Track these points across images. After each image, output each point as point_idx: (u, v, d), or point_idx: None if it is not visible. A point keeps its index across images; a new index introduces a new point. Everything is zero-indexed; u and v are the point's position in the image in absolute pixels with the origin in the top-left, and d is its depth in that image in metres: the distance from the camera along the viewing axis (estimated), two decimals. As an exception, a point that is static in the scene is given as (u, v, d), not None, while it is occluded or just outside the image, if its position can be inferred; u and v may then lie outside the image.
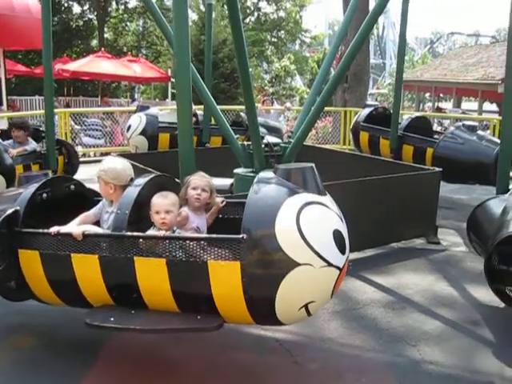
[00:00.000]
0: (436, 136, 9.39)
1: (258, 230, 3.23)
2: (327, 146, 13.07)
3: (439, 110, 28.12)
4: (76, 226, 3.82)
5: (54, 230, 3.71)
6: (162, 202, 3.70)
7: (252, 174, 6.53)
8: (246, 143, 6.75)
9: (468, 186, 9.63)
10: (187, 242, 3.44)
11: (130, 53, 29.53)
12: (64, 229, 3.76)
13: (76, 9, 32.92)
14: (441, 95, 35.06)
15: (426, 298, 5.27)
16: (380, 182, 6.46)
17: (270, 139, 6.85)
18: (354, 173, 6.75)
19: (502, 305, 5.02)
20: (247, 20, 33.28)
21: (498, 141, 8.25)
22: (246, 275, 3.24)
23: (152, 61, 31.27)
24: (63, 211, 4.07)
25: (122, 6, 34.09)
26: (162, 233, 3.56)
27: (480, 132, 8.82)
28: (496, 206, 5.24)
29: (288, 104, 12.80)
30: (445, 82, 27.39)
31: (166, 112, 11.56)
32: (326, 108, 15.23)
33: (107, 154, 10.95)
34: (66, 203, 4.21)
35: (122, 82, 30.09)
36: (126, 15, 34.69)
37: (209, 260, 3.33)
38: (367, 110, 10.38)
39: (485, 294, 5.26)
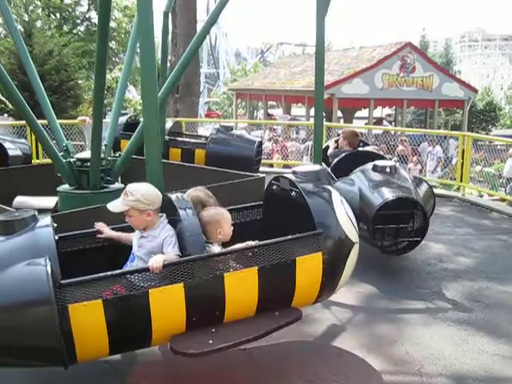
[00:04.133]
0: (187, 138, 10.32)
1: (329, 223, 3.88)
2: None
3: (270, 116, 29.35)
4: (154, 259, 3.40)
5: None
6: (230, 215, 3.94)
7: (78, 192, 6.33)
8: (71, 160, 6.49)
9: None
10: (277, 245, 3.69)
11: None
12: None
13: None
14: (273, 102, 36.54)
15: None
16: (213, 190, 6.56)
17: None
18: (185, 182, 6.77)
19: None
20: (75, 30, 32.17)
21: (253, 138, 9.74)
22: (326, 261, 3.81)
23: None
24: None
25: None
26: (252, 243, 3.69)
27: (236, 131, 9.99)
28: (346, 186, 6.31)
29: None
30: (274, 89, 28.64)
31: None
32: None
33: None
34: None
35: None
36: None
37: (297, 257, 3.71)
38: (123, 119, 10.30)
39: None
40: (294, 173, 4.23)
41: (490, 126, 40.61)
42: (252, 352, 4.24)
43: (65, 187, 6.36)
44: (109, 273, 3.32)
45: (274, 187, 4.45)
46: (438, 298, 5.47)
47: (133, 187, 3.72)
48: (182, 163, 8.80)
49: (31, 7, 27.92)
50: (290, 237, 3.77)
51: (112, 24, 36.35)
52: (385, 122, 31.30)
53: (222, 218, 3.84)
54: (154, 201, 3.69)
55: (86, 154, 6.75)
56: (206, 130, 17.24)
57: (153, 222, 3.70)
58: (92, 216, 4.33)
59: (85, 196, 6.18)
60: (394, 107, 30.66)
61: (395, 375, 4.08)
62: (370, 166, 6.43)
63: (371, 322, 4.98)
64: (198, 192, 4.11)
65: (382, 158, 7.42)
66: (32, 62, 7.50)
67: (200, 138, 10.26)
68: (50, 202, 6.08)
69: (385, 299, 5.45)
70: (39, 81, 7.30)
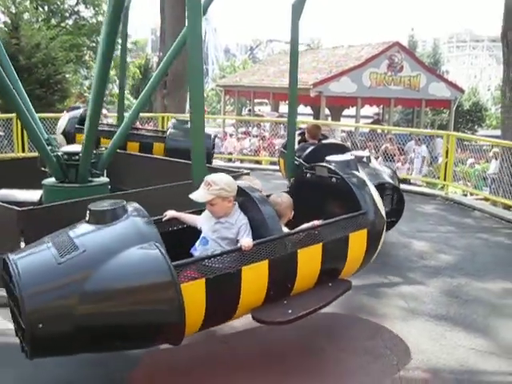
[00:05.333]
0: (143, 132, 10.39)
1: (370, 203, 4.51)
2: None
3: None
4: (245, 240, 3.76)
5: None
6: None
7: (65, 185, 6.34)
8: (58, 154, 6.50)
9: (276, 185, 10.21)
10: (336, 223, 4.29)
11: None
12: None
13: None
14: (263, 100, 36.55)
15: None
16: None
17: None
18: (173, 178, 6.77)
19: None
20: (64, 24, 31.89)
21: (208, 132, 9.47)
22: (370, 236, 4.47)
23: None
24: None
25: None
26: (317, 222, 4.20)
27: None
28: None
29: (104, 111, 12.50)
30: (262, 86, 28.67)
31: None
32: (146, 114, 15.25)
33: None
34: None
35: None
36: None
37: (350, 233, 4.31)
38: (76, 113, 9.94)
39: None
40: (327, 162, 4.80)
41: (476, 127, 40.95)
42: (236, 348, 4.35)
43: (50, 181, 6.37)
44: (210, 254, 3.67)
45: (308, 175, 4.98)
46: (417, 294, 5.58)
47: (215, 177, 3.93)
48: (165, 157, 8.86)
49: (19, -1, 27.64)
50: (344, 216, 4.37)
51: (100, 18, 36.12)
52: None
53: (292, 204, 4.42)
54: (234, 188, 3.97)
55: (73, 147, 6.78)
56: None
57: (230, 208, 3.95)
58: (79, 209, 4.36)
59: (71, 189, 6.20)
60: (381, 106, 30.82)
61: (373, 369, 4.16)
62: None
63: (350, 316, 5.07)
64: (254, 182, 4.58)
65: (347, 148, 8.01)
66: (8, 58, 7.55)
67: (157, 132, 10.55)
68: (34, 195, 6.09)
69: (365, 294, 5.53)
70: (16, 76, 7.32)
